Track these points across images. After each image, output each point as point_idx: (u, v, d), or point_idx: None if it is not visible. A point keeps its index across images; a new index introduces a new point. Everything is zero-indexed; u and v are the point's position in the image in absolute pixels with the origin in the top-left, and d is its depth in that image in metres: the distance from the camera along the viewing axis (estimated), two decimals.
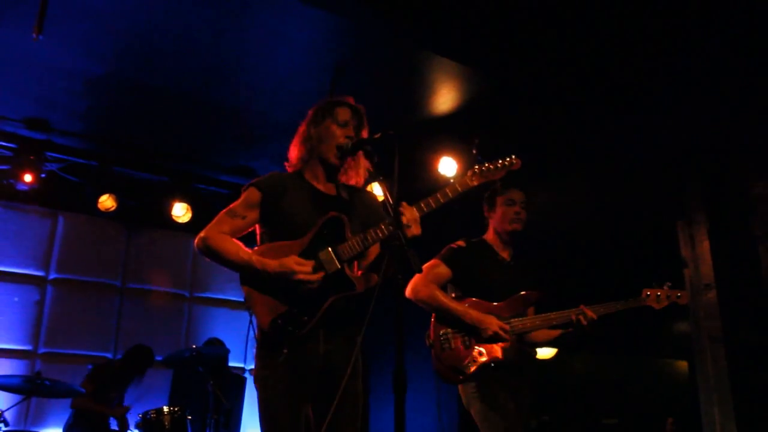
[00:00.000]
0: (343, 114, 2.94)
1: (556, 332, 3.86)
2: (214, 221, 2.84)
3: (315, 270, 2.68)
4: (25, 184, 6.50)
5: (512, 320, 3.67)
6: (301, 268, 2.65)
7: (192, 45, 5.15)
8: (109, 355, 7.15)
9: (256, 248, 2.82)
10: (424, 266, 3.76)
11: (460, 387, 3.75)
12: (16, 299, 6.85)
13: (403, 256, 2.43)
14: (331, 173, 2.99)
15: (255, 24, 4.83)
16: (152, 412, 5.33)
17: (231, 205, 2.88)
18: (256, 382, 2.75)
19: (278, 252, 2.71)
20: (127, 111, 6.33)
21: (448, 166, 6.17)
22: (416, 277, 3.71)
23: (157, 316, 7.59)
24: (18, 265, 6.93)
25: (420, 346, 3.87)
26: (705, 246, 5.52)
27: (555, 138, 6.17)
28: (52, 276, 7.12)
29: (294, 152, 3.03)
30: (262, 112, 6.13)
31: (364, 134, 2.98)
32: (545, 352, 8.50)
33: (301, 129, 3.02)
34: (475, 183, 2.82)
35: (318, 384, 2.69)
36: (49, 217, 7.21)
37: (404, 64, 5.40)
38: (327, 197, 2.94)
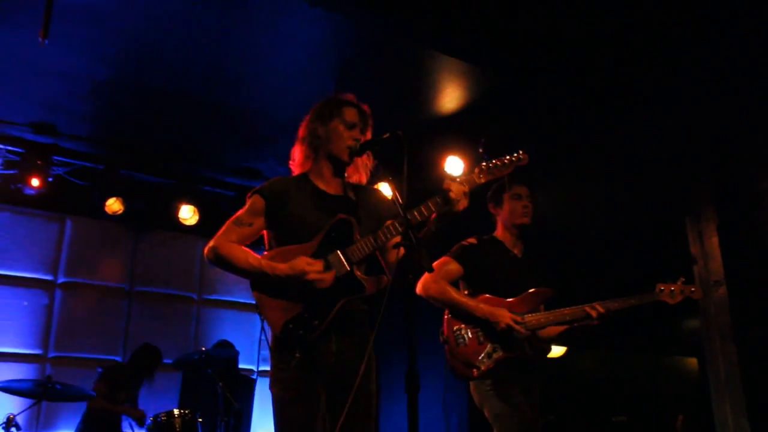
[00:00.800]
0: (351, 115, 2.93)
1: (561, 327, 3.83)
2: (221, 231, 2.83)
3: (325, 270, 2.67)
4: (33, 188, 6.52)
5: (525, 316, 3.66)
6: (312, 267, 2.65)
7: (196, 47, 5.15)
8: (118, 358, 7.16)
9: (265, 253, 2.82)
10: (435, 264, 3.76)
11: (472, 386, 3.73)
12: (25, 303, 6.87)
13: (414, 256, 2.42)
14: (339, 172, 2.97)
15: (260, 25, 4.83)
16: (162, 414, 5.34)
17: (237, 214, 2.87)
18: (271, 386, 2.74)
19: (287, 256, 2.71)
20: (133, 114, 6.34)
21: (454, 165, 6.16)
22: (426, 275, 3.70)
23: (165, 318, 7.60)
24: (26, 270, 6.95)
25: (428, 345, 3.86)
26: (714, 242, 5.49)
27: (562, 135, 6.15)
28: (60, 280, 7.13)
29: (299, 152, 3.01)
30: (267, 113, 6.13)
31: (369, 135, 2.97)
32: (556, 351, 8.48)
33: (306, 127, 3.00)
34: (483, 180, 2.79)
35: (332, 385, 2.69)
36: (56, 221, 7.23)
37: (409, 63, 5.40)
38: (333, 198, 2.93)
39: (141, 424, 5.99)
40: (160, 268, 7.70)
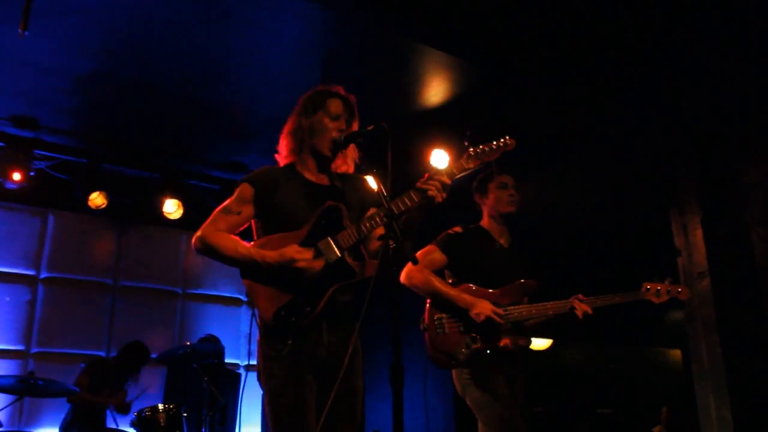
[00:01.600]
0: (335, 106, 2.91)
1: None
2: (209, 220, 2.81)
3: (315, 258, 2.66)
4: (14, 182, 6.45)
5: (508, 308, 3.66)
6: (302, 255, 2.63)
7: (180, 40, 5.11)
8: (102, 354, 7.11)
9: (253, 242, 2.81)
10: (420, 252, 3.76)
11: (454, 375, 3.73)
12: (7, 299, 6.81)
13: (398, 247, 2.42)
14: (324, 164, 2.96)
15: (243, 18, 4.80)
16: (147, 409, 5.31)
17: (225, 203, 2.85)
18: (260, 375, 2.72)
19: (276, 244, 2.70)
20: (116, 108, 6.28)
21: (439, 158, 6.16)
22: (410, 264, 3.69)
23: (149, 313, 7.56)
24: (8, 265, 6.89)
25: (412, 338, 3.85)
26: (698, 234, 5.52)
27: (547, 129, 6.16)
28: (43, 275, 7.07)
29: (284, 144, 3.00)
30: (252, 107, 6.11)
31: (355, 126, 2.96)
32: (541, 344, 8.52)
33: (292, 120, 2.99)
34: (471, 165, 2.79)
35: (321, 377, 2.68)
36: (38, 215, 7.17)
37: (394, 56, 5.38)
38: (321, 188, 2.92)
39: (122, 411, 5.94)
40: (145, 262, 7.66)
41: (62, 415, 6.00)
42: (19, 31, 3.85)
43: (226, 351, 7.06)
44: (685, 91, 5.42)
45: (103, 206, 6.94)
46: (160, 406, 5.34)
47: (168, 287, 7.80)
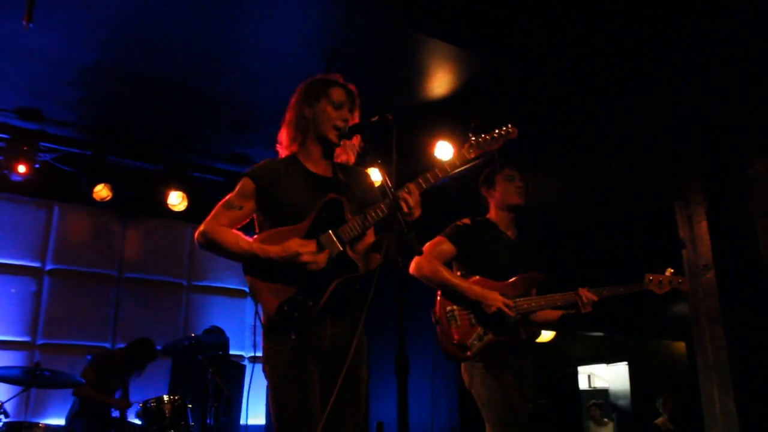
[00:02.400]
0: (338, 95, 2.90)
1: (558, 313, 3.86)
2: (211, 215, 2.80)
3: (318, 251, 2.66)
4: (19, 174, 6.46)
5: (517, 299, 3.67)
6: (305, 249, 2.63)
7: (185, 32, 5.11)
8: (107, 345, 7.14)
9: (255, 236, 2.80)
10: (429, 243, 3.77)
11: (462, 368, 3.74)
12: (13, 291, 6.84)
13: (403, 239, 2.42)
14: (327, 153, 2.95)
15: (247, 10, 4.79)
16: (152, 400, 5.33)
17: (227, 197, 2.84)
18: (265, 369, 2.73)
19: (279, 238, 2.69)
20: (121, 100, 6.29)
21: (444, 150, 6.16)
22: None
23: (154, 305, 7.59)
24: (14, 257, 6.92)
25: (418, 328, 3.85)
26: (703, 226, 5.51)
27: (551, 120, 6.14)
28: (48, 267, 7.10)
29: (285, 134, 2.97)
30: (256, 98, 6.10)
31: (357, 115, 2.95)
32: (544, 335, 8.53)
33: (292, 109, 2.97)
34: (473, 155, 2.78)
35: (325, 368, 2.68)
36: (44, 207, 7.19)
37: (398, 47, 5.37)
38: (323, 179, 2.90)
39: (124, 414, 5.98)
40: (149, 254, 7.68)
41: (68, 406, 6.03)
42: (24, 23, 3.86)
43: (231, 342, 7.08)
44: (691, 82, 5.40)
45: (108, 198, 6.95)
46: (166, 398, 5.37)
47: (173, 279, 7.83)
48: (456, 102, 6.02)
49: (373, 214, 2.68)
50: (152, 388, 6.52)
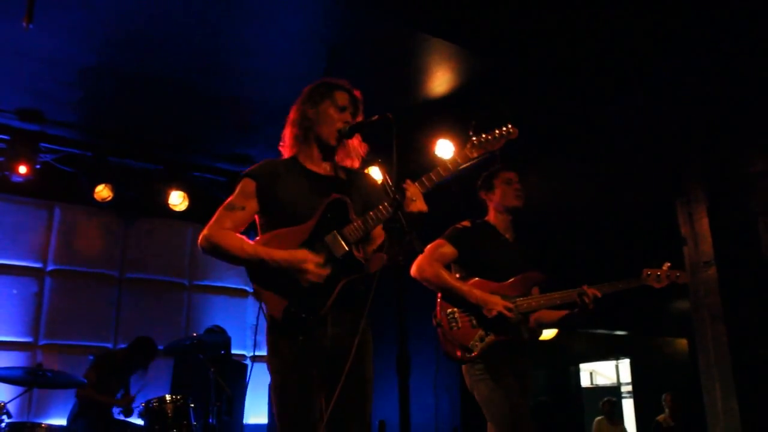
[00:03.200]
0: (342, 98, 2.90)
1: (561, 313, 3.87)
2: (213, 219, 2.79)
3: (325, 260, 2.65)
4: (20, 175, 6.48)
5: (517, 300, 3.68)
6: (312, 260, 2.63)
7: (185, 33, 5.11)
8: (109, 346, 7.15)
9: (258, 238, 2.79)
10: (430, 246, 3.78)
11: (464, 369, 3.74)
12: (14, 292, 6.84)
13: (405, 238, 2.41)
14: (328, 155, 2.94)
15: (248, 10, 4.79)
16: (155, 400, 5.33)
17: (228, 199, 2.83)
18: (270, 369, 2.72)
19: (282, 239, 2.68)
20: (121, 100, 6.29)
21: (444, 149, 6.15)
22: (421, 257, 3.72)
23: (156, 305, 7.60)
24: (15, 258, 6.93)
25: (420, 328, 3.85)
26: (704, 223, 5.50)
27: (553, 118, 6.14)
28: (50, 267, 7.10)
29: (288, 134, 2.98)
30: (257, 98, 6.10)
31: (359, 120, 2.94)
32: (546, 333, 8.52)
33: (296, 109, 2.97)
34: (475, 155, 2.79)
35: (327, 368, 2.67)
36: (45, 208, 7.19)
37: (399, 46, 5.37)
38: (324, 179, 2.90)
39: (127, 413, 5.99)
40: (151, 254, 7.69)
41: (70, 407, 6.04)
42: (24, 23, 3.86)
43: (233, 342, 7.08)
44: (692, 80, 5.39)
45: (109, 199, 6.96)
46: (168, 397, 5.37)
47: (174, 279, 7.83)
48: (456, 100, 6.01)
49: (375, 214, 2.68)
50: (154, 387, 6.52)
